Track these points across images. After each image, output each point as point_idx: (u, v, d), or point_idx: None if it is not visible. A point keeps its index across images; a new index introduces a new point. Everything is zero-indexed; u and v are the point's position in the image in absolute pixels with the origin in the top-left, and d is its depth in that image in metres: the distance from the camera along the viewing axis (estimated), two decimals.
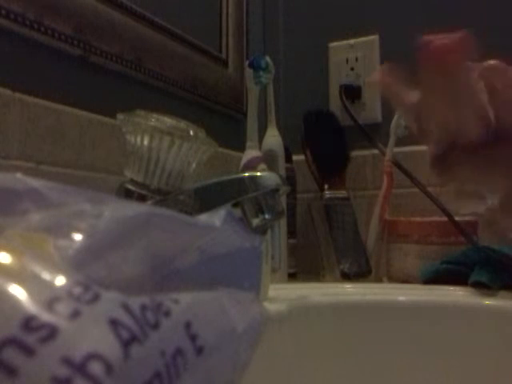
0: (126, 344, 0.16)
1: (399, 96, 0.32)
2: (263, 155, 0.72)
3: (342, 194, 0.84)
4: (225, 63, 0.87)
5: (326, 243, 0.80)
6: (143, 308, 0.17)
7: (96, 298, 0.16)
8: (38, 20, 0.54)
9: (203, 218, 0.24)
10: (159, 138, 0.41)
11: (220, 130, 0.83)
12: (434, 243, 0.73)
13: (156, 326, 0.17)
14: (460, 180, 0.32)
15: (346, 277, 0.77)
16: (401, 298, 0.58)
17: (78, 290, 0.16)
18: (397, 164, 0.83)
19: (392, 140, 0.82)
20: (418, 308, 0.57)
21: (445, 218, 0.73)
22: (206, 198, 0.40)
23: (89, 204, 0.19)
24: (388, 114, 0.87)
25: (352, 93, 0.94)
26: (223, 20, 0.87)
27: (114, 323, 0.16)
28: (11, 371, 0.14)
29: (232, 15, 0.88)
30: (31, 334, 0.15)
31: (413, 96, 0.32)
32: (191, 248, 0.22)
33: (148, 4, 0.69)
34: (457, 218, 0.72)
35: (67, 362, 0.14)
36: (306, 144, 0.87)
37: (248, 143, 0.72)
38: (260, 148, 0.74)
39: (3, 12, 0.50)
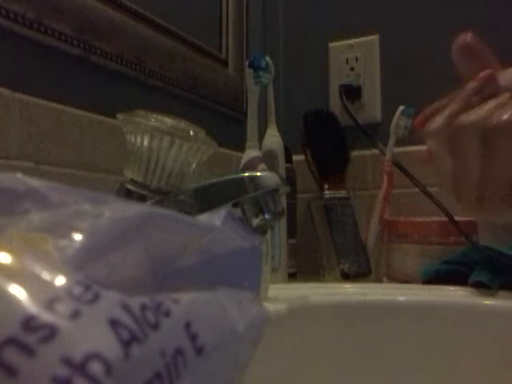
0: (126, 344, 0.16)
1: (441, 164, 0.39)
2: (263, 155, 0.72)
3: (341, 194, 0.84)
4: (225, 63, 0.87)
5: (326, 243, 0.80)
6: (143, 308, 0.17)
7: (96, 297, 0.16)
8: (38, 20, 0.54)
9: (203, 218, 0.24)
10: (159, 138, 0.41)
11: (220, 130, 0.83)
12: (433, 243, 0.73)
13: (156, 326, 0.17)
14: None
15: (346, 277, 0.77)
16: (401, 298, 0.58)
17: (78, 290, 0.16)
18: (397, 164, 0.83)
19: (392, 140, 0.82)
20: (418, 308, 0.57)
21: (445, 218, 0.73)
22: (206, 198, 0.40)
23: (89, 204, 0.19)
24: (388, 113, 0.87)
25: (352, 93, 0.94)
26: (223, 20, 0.87)
27: (114, 323, 0.16)
28: (11, 371, 0.14)
29: (232, 15, 0.88)
30: (31, 333, 0.15)
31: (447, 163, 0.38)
32: (191, 248, 0.22)
33: (148, 4, 0.69)
34: (457, 218, 0.73)
35: (67, 361, 0.15)
36: (305, 144, 0.87)
37: (248, 143, 0.72)
38: (260, 148, 0.74)
39: (3, 12, 0.50)
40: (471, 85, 0.38)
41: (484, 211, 0.38)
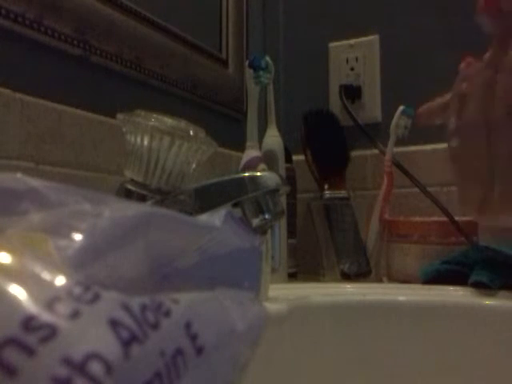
0: (126, 344, 0.16)
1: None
2: (263, 155, 0.72)
3: (341, 193, 0.84)
4: (225, 63, 0.87)
5: (326, 243, 0.80)
6: (143, 308, 0.17)
7: (96, 298, 0.16)
8: (37, 20, 0.54)
9: (203, 218, 0.24)
10: (159, 138, 0.41)
11: (220, 130, 0.83)
12: (434, 243, 0.73)
13: (156, 325, 0.17)
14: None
15: (346, 277, 0.77)
16: (401, 298, 0.58)
17: (78, 290, 0.16)
18: (397, 164, 0.83)
19: (392, 140, 0.82)
20: (418, 308, 0.57)
21: (445, 218, 0.73)
22: (206, 198, 0.40)
23: (89, 204, 0.19)
24: (388, 113, 0.87)
25: (352, 93, 0.94)
26: (223, 20, 0.87)
27: (114, 323, 0.16)
28: (11, 371, 0.14)
29: (232, 15, 0.88)
30: (31, 333, 0.15)
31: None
32: (191, 248, 0.22)
33: (148, 4, 0.69)
34: (457, 218, 0.73)
35: (67, 361, 0.15)
36: (306, 144, 0.87)
37: (248, 143, 0.72)
38: (260, 148, 0.74)
39: (3, 12, 0.50)
40: (458, 79, 0.38)
41: (490, 212, 0.37)
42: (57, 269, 0.17)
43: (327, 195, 0.84)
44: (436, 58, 0.89)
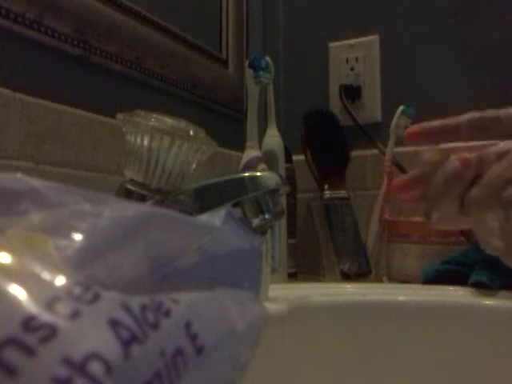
0: (126, 344, 0.16)
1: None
2: (263, 155, 0.72)
3: (341, 193, 0.84)
4: (225, 63, 0.87)
5: (326, 243, 0.80)
6: (143, 308, 0.17)
7: (96, 298, 0.16)
8: (37, 20, 0.54)
9: (203, 217, 0.24)
10: (159, 138, 0.41)
11: (220, 130, 0.83)
12: (434, 243, 0.73)
13: (156, 325, 0.17)
14: None
15: (346, 277, 0.77)
16: (401, 298, 0.58)
17: (78, 290, 0.16)
18: (397, 164, 0.83)
19: (392, 140, 0.82)
20: (417, 308, 0.57)
21: None
22: (206, 198, 0.40)
23: (89, 204, 0.19)
24: (388, 113, 0.87)
25: (352, 93, 0.94)
26: (223, 20, 0.87)
27: (114, 323, 0.16)
28: (11, 371, 0.14)
29: (232, 15, 0.88)
30: (31, 333, 0.15)
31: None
32: (191, 248, 0.22)
33: (148, 4, 0.69)
34: None
35: (67, 361, 0.15)
36: (306, 144, 0.87)
37: (248, 143, 0.72)
38: (260, 148, 0.74)
39: (3, 12, 0.50)
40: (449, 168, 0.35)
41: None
42: (57, 269, 0.17)
43: (327, 195, 0.84)
44: (436, 57, 0.89)
